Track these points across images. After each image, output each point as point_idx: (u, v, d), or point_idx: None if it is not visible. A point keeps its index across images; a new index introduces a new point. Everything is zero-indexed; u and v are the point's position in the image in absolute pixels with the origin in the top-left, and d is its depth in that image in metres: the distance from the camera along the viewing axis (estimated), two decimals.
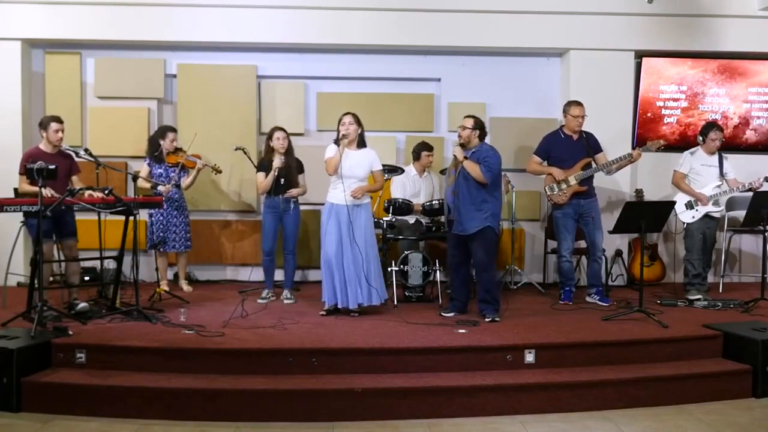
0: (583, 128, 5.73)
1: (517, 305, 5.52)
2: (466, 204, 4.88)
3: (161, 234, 5.91)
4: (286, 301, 5.58)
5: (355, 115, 5.05)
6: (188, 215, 6.09)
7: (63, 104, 6.42)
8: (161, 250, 5.94)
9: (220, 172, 6.08)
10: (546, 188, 5.72)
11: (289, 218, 5.64)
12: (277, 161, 5.49)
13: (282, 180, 5.54)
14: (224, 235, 6.71)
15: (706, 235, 5.97)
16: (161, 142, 5.92)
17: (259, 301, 5.57)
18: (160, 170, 5.93)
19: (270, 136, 5.64)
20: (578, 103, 5.65)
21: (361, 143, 5.10)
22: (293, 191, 5.59)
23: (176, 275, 6.31)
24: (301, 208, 5.93)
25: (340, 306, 5.01)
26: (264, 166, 5.64)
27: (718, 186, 5.87)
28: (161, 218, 5.91)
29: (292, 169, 5.64)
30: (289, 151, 5.66)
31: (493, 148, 4.99)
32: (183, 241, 5.99)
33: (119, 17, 6.31)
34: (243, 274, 6.74)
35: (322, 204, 5.21)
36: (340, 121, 5.05)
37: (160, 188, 5.77)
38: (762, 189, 5.66)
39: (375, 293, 5.03)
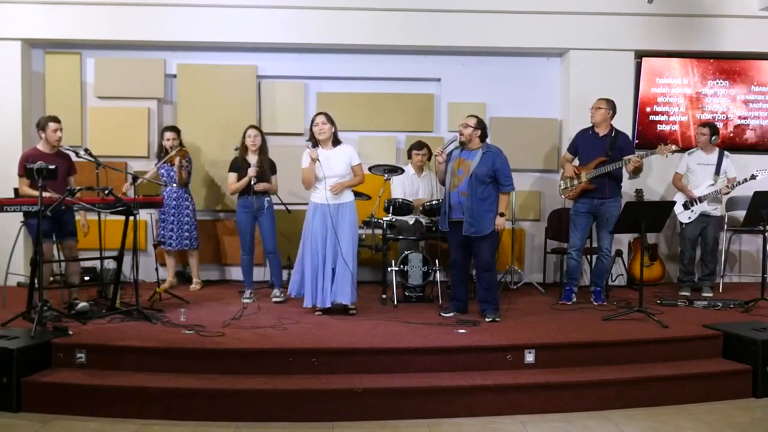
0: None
1: (517, 305, 5.52)
2: (479, 205, 4.87)
3: (162, 232, 5.99)
4: (274, 300, 5.58)
5: (327, 115, 5.08)
6: (191, 214, 6.10)
7: (63, 104, 6.43)
8: (162, 247, 6.01)
9: (189, 170, 6.05)
10: (560, 182, 5.76)
11: (265, 218, 5.66)
12: (252, 171, 5.50)
13: (254, 180, 5.53)
14: (223, 235, 6.70)
15: (705, 234, 6.02)
16: (163, 143, 6.01)
17: (244, 300, 5.56)
18: (162, 170, 6.03)
19: (244, 135, 5.66)
20: (600, 99, 5.67)
21: (336, 141, 5.10)
22: (261, 184, 5.57)
23: (178, 273, 6.35)
24: (300, 208, 5.93)
25: (319, 305, 5.00)
26: (236, 166, 5.66)
27: (711, 185, 5.90)
28: (162, 216, 6.00)
29: (266, 169, 5.65)
30: (262, 150, 5.69)
31: (500, 151, 4.99)
32: (180, 239, 6.02)
33: (119, 17, 6.32)
34: (240, 273, 6.72)
35: None
36: (312, 122, 5.07)
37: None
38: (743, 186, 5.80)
39: (352, 293, 5.02)
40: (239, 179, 5.61)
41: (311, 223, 5.04)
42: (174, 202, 6.00)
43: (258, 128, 5.79)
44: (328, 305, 5.00)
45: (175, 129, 6.10)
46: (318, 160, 4.94)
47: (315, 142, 5.04)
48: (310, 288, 4.99)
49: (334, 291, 4.97)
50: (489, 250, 4.94)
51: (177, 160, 5.86)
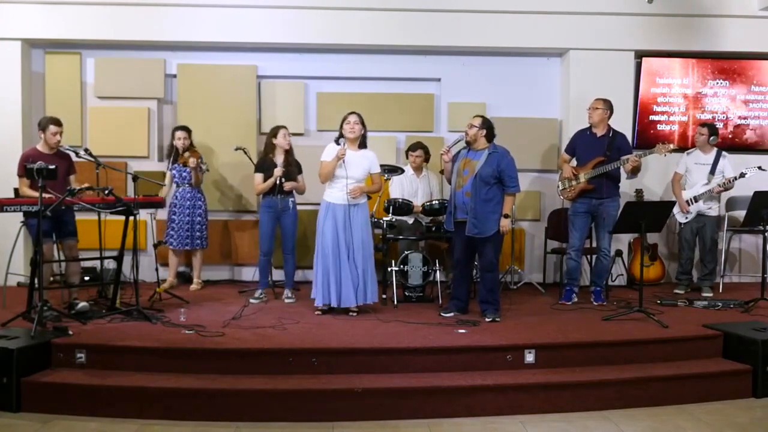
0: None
1: (517, 305, 5.52)
2: (483, 206, 4.86)
3: (172, 232, 6.00)
4: (287, 301, 5.60)
5: (360, 115, 5.06)
6: (203, 214, 6.12)
7: (63, 104, 6.43)
8: (171, 247, 6.05)
9: (207, 171, 6.11)
10: (558, 183, 5.76)
11: (288, 218, 5.65)
12: (278, 170, 5.50)
13: (282, 179, 5.54)
14: (224, 234, 6.71)
15: (702, 234, 6.04)
16: (174, 143, 6.03)
17: (252, 300, 5.56)
18: (174, 171, 6.05)
19: (274, 134, 5.66)
20: (597, 99, 5.66)
21: (362, 144, 5.10)
22: (289, 184, 5.57)
23: (179, 274, 6.36)
24: (302, 208, 5.94)
25: (334, 305, 5.01)
26: (263, 166, 5.65)
27: (705, 184, 5.93)
28: (174, 216, 6.01)
29: (293, 167, 5.65)
30: (290, 150, 5.69)
31: (506, 152, 4.98)
32: (193, 239, 6.04)
33: (119, 17, 6.32)
34: (243, 273, 6.75)
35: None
36: (344, 119, 5.04)
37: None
38: (733, 185, 5.90)
39: (369, 293, 5.03)
40: (266, 179, 5.60)
41: (323, 224, 5.03)
42: (188, 203, 6.02)
43: (287, 128, 5.76)
44: (349, 305, 4.99)
45: (185, 128, 6.09)
46: (343, 159, 4.93)
47: (339, 141, 5.01)
48: (321, 287, 4.99)
49: (352, 292, 4.96)
50: (492, 251, 4.93)
51: (192, 161, 5.87)
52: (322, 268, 4.99)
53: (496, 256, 4.99)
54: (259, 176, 5.65)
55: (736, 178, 5.81)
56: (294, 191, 5.72)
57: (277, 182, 5.52)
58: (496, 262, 4.99)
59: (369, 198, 5.91)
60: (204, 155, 6.11)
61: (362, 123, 5.04)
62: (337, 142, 5.02)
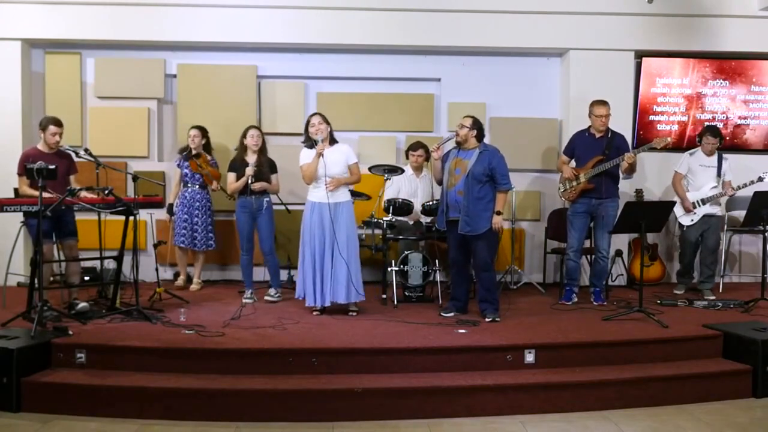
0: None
1: (517, 305, 5.52)
2: (476, 204, 4.87)
3: (185, 232, 6.01)
4: (267, 298, 5.59)
5: (322, 115, 5.10)
6: (211, 215, 6.16)
7: (63, 104, 6.44)
8: (182, 246, 6.07)
9: (233, 198, 5.81)
10: (559, 185, 5.76)
11: (263, 218, 5.64)
12: (249, 170, 5.51)
13: (252, 179, 5.53)
14: (223, 235, 6.69)
15: (707, 235, 5.99)
16: (188, 141, 6.06)
17: (245, 301, 5.55)
18: (186, 170, 6.06)
19: (244, 135, 5.68)
20: (602, 102, 5.61)
21: (332, 141, 5.12)
22: (258, 184, 5.54)
23: (176, 274, 6.34)
24: (297, 207, 5.92)
25: (320, 304, 5.01)
26: (235, 166, 5.66)
27: (715, 187, 5.91)
28: (186, 217, 6.01)
29: (264, 167, 5.65)
30: (262, 150, 5.70)
31: (497, 151, 5.00)
32: (204, 240, 6.07)
33: (119, 17, 6.32)
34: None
35: None
36: (308, 123, 5.08)
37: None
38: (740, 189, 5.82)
39: (354, 292, 5.01)
40: (238, 179, 5.61)
41: (308, 223, 5.04)
42: (197, 204, 6.05)
43: (259, 128, 5.81)
44: (327, 304, 5.00)
45: (199, 128, 6.10)
46: (323, 155, 4.94)
47: (311, 144, 5.04)
48: (311, 287, 5.00)
49: (333, 291, 4.97)
50: (486, 250, 4.93)
51: (215, 185, 5.93)
52: (309, 267, 5.00)
53: (491, 256, 4.99)
54: (232, 175, 5.66)
55: (753, 182, 5.70)
56: (268, 192, 5.69)
57: (248, 182, 5.52)
58: (490, 262, 4.99)
59: (369, 198, 5.94)
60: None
61: (326, 122, 5.06)
62: (310, 147, 5.04)
